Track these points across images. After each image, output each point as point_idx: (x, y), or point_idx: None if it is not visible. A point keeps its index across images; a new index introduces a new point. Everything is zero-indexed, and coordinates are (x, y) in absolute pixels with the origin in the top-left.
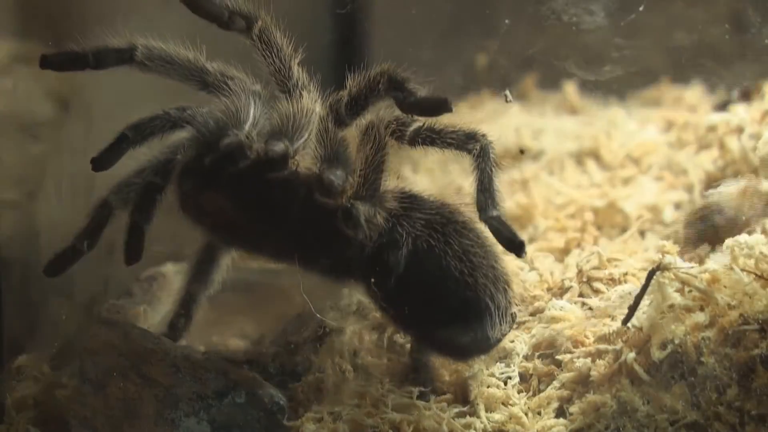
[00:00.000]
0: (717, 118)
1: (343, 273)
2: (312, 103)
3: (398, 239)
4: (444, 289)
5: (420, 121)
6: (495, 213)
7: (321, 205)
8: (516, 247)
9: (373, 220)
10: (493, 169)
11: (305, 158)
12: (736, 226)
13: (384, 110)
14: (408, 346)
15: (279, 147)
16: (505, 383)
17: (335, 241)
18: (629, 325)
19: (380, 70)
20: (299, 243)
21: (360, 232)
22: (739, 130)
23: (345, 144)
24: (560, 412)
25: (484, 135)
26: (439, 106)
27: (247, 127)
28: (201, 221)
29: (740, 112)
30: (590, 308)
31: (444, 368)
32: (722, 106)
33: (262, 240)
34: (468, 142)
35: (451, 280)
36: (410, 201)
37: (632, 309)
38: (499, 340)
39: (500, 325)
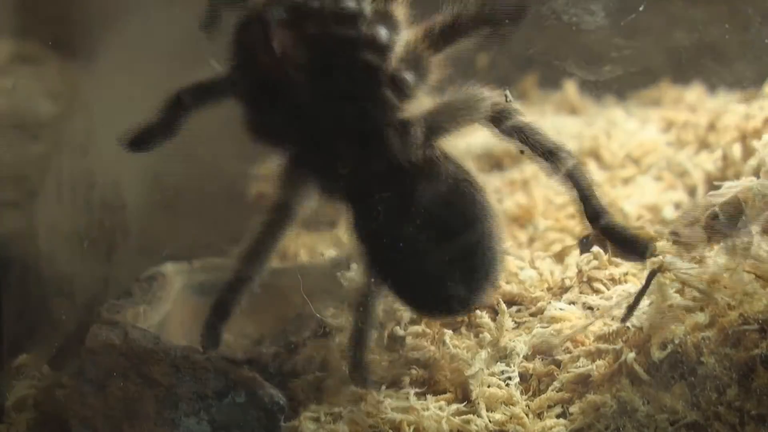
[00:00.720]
0: (723, 122)
1: (356, 187)
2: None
3: (441, 173)
4: (462, 238)
5: (523, 117)
6: (609, 220)
7: (386, 104)
8: (641, 251)
9: (422, 147)
10: (590, 180)
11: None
12: (735, 227)
13: (498, 94)
14: (408, 340)
15: (385, 33)
16: (506, 384)
17: (378, 145)
18: (629, 325)
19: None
20: (343, 129)
21: (406, 148)
22: (741, 132)
23: (430, 67)
24: (560, 412)
25: (572, 152)
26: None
27: (367, 6)
28: (262, 57)
29: (746, 114)
30: (590, 308)
31: (442, 367)
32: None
33: (305, 109)
34: (557, 155)
35: (475, 233)
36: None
37: (631, 308)
38: (477, 306)
39: (490, 289)
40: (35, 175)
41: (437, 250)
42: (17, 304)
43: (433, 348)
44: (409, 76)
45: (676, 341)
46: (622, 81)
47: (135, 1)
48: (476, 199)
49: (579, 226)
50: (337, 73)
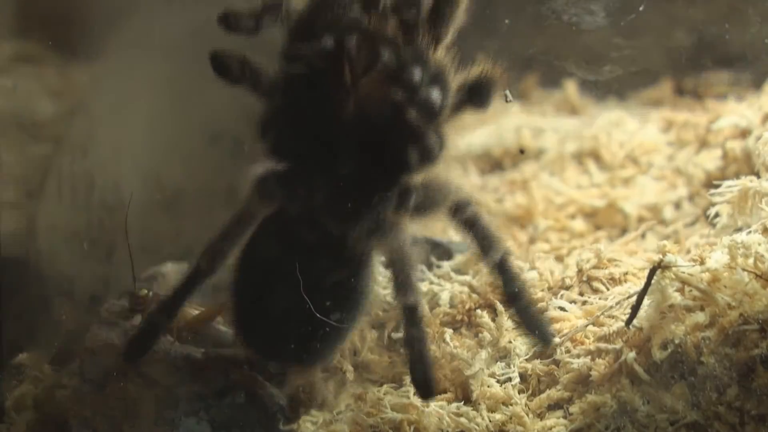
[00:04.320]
0: (723, 121)
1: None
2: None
3: (356, 258)
4: (327, 310)
5: (475, 208)
6: (523, 304)
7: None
8: (547, 338)
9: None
10: (516, 271)
11: None
12: (735, 226)
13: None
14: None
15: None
16: (506, 383)
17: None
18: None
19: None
20: (353, 179)
21: (397, 208)
22: (743, 131)
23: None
24: (560, 413)
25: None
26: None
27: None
28: (336, 73)
29: (746, 114)
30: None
31: (443, 367)
32: None
33: (328, 140)
34: (491, 252)
35: (349, 311)
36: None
37: (635, 309)
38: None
39: (324, 361)
40: (35, 175)
41: (302, 302)
42: (17, 304)
43: (433, 347)
44: (437, 93)
45: (676, 341)
46: (622, 81)
47: (135, 1)
48: (363, 292)
49: (579, 226)
50: (386, 139)
